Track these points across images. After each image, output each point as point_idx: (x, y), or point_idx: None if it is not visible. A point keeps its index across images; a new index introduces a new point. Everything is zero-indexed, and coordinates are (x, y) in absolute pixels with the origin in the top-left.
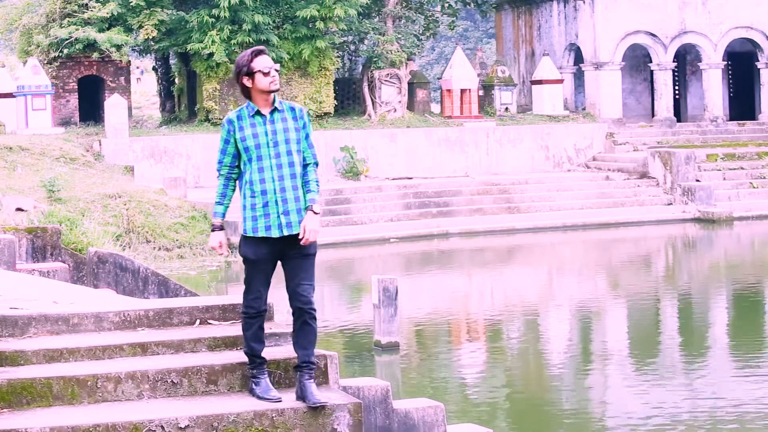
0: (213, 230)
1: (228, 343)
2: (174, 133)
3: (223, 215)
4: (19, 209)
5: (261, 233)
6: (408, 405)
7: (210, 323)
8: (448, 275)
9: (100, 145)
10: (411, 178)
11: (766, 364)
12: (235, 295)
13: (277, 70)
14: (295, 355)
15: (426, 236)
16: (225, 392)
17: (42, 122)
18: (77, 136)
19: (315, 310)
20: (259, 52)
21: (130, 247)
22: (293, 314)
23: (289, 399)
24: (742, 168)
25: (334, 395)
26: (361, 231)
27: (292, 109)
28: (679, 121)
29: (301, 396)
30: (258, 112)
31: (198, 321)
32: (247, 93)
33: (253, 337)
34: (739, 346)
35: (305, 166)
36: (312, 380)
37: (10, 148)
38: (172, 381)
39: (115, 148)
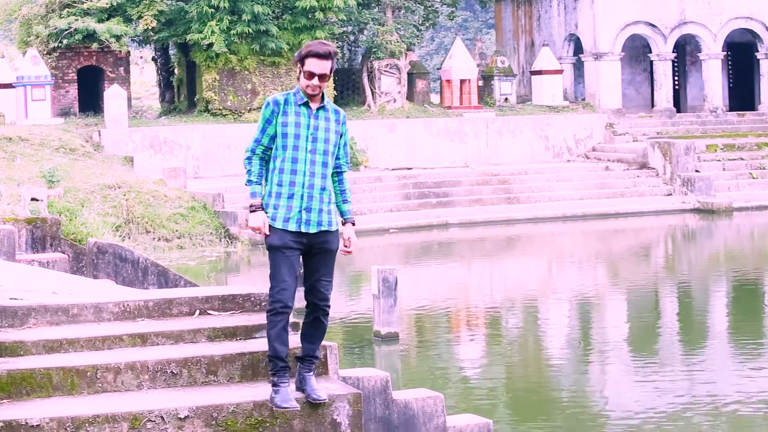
0: (253, 210)
1: (228, 334)
2: (173, 124)
3: (261, 194)
4: (33, 199)
5: (279, 224)
6: (408, 395)
7: (210, 314)
8: (447, 265)
9: (99, 135)
10: (410, 169)
11: (765, 353)
12: (235, 285)
13: (323, 77)
14: (294, 345)
15: (425, 227)
16: (224, 383)
17: (41, 113)
18: (77, 126)
19: (329, 307)
20: (317, 55)
21: (129, 238)
22: (306, 307)
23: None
24: (741, 158)
25: (334, 386)
26: (361, 221)
27: (337, 112)
28: (678, 111)
29: (301, 388)
30: (306, 104)
31: (198, 311)
32: (298, 77)
33: (277, 338)
34: (739, 335)
35: (340, 173)
36: (312, 374)
37: (10, 138)
38: (171, 371)
39: (114, 138)
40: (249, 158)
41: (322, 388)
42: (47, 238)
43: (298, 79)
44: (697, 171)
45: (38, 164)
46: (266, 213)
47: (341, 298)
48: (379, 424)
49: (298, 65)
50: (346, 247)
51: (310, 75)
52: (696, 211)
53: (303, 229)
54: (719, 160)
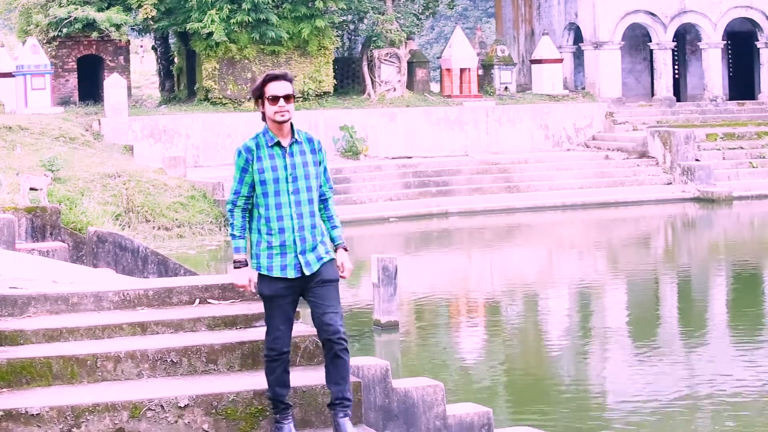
0: (237, 267)
1: (227, 323)
2: (173, 113)
3: (246, 250)
4: (32, 188)
5: (276, 273)
6: (407, 384)
7: (209, 302)
8: (447, 254)
9: (99, 124)
10: (410, 158)
11: (764, 341)
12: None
13: (288, 98)
14: (293, 334)
15: (425, 215)
16: (224, 371)
17: (41, 102)
18: (76, 115)
19: (346, 340)
20: (274, 78)
21: (129, 227)
22: (323, 347)
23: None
24: (741, 147)
25: None
26: (361, 210)
27: (310, 140)
28: (678, 100)
29: None
30: (277, 143)
31: (197, 300)
32: (263, 117)
33: (277, 382)
34: (738, 324)
35: (325, 200)
36: (348, 417)
37: (10, 127)
38: (171, 360)
39: (114, 127)
40: (231, 210)
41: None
42: (47, 227)
43: (264, 116)
44: (697, 160)
45: (38, 153)
46: (259, 264)
47: (341, 287)
48: (379, 413)
49: (259, 102)
50: (340, 271)
51: (274, 99)
52: (696, 200)
53: (306, 272)
54: (719, 149)
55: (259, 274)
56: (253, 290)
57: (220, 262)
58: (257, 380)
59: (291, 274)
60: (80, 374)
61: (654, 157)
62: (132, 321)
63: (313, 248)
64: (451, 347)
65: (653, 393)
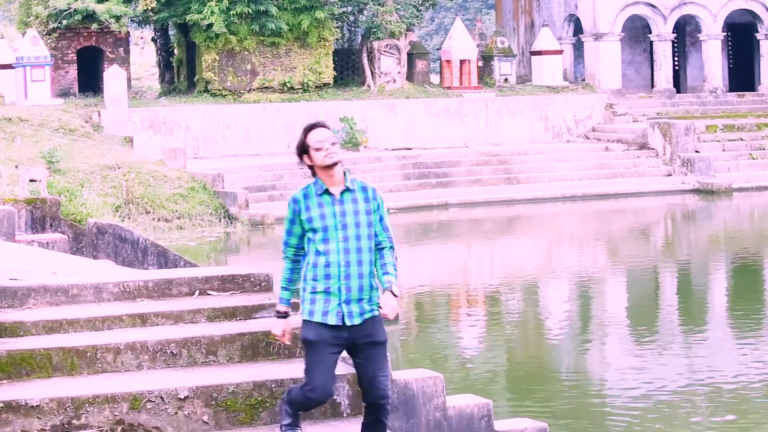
0: (278, 316)
1: (227, 314)
2: (173, 104)
3: (289, 302)
4: (32, 180)
5: (317, 318)
6: (407, 375)
7: (209, 294)
8: (447, 246)
9: (99, 116)
10: (410, 149)
11: (764, 333)
12: (235, 266)
13: (333, 143)
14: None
15: (425, 207)
16: (224, 363)
17: (41, 93)
18: (76, 107)
19: (390, 404)
20: (312, 127)
21: (129, 218)
22: (366, 408)
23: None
24: (741, 139)
25: None
26: None
27: (364, 189)
28: (678, 92)
29: None
30: (326, 191)
31: (197, 292)
32: (313, 171)
33: (301, 408)
34: (738, 315)
35: (381, 249)
36: None
37: (10, 119)
38: (171, 352)
39: (114, 119)
40: (284, 258)
41: None
42: (47, 219)
43: (312, 171)
44: (696, 151)
45: (38, 145)
46: (303, 308)
47: None
48: None
49: (304, 158)
50: (381, 311)
51: (319, 145)
52: (696, 191)
53: (347, 323)
54: (719, 141)
55: (304, 320)
56: (287, 342)
57: (219, 253)
58: (257, 372)
59: (332, 320)
60: (80, 366)
61: (654, 149)
62: (132, 312)
63: (359, 300)
64: (451, 339)
65: (653, 384)
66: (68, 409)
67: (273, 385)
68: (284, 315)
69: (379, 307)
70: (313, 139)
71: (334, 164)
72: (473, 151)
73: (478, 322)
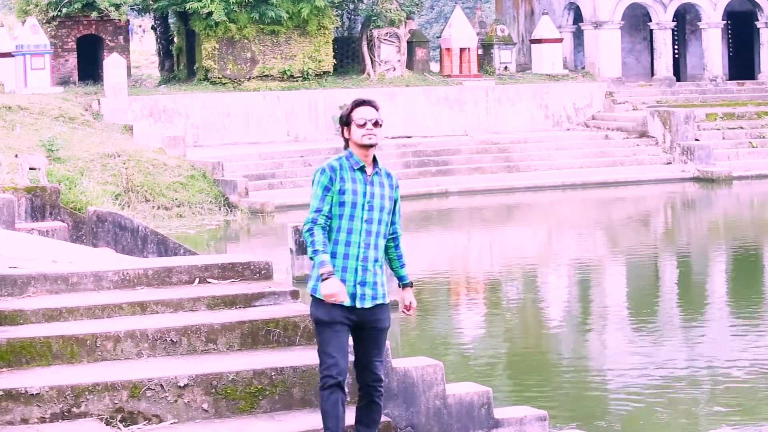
0: (326, 278)
1: (227, 302)
2: (173, 93)
3: (331, 262)
4: (32, 168)
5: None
6: (407, 363)
7: (209, 282)
8: (447, 234)
9: (99, 104)
10: (410, 137)
11: (763, 321)
12: (235, 254)
13: (376, 124)
14: (293, 314)
15: (425, 195)
16: (224, 351)
17: (41, 82)
18: (76, 95)
19: (383, 387)
20: (362, 103)
21: (129, 206)
22: (359, 390)
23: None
24: (741, 127)
25: None
26: None
27: (390, 176)
28: (678, 80)
29: None
30: (362, 168)
31: (197, 280)
32: (346, 144)
33: (331, 414)
34: (738, 303)
35: (395, 238)
36: None
37: (9, 107)
38: (171, 340)
39: (114, 107)
40: (310, 230)
41: None
42: (47, 207)
43: (347, 143)
44: (696, 140)
45: (38, 133)
46: (316, 287)
47: None
48: None
49: (344, 130)
50: (406, 310)
51: (363, 123)
52: (695, 179)
53: (358, 305)
54: (719, 129)
55: (314, 297)
56: (345, 300)
57: (219, 241)
58: (257, 360)
59: (346, 301)
60: (80, 354)
61: (654, 137)
62: (132, 300)
63: (374, 284)
64: (451, 327)
65: (653, 372)
66: (68, 397)
67: (273, 373)
68: (332, 274)
69: (388, 304)
70: (358, 114)
71: (372, 145)
72: (473, 139)
73: (478, 310)
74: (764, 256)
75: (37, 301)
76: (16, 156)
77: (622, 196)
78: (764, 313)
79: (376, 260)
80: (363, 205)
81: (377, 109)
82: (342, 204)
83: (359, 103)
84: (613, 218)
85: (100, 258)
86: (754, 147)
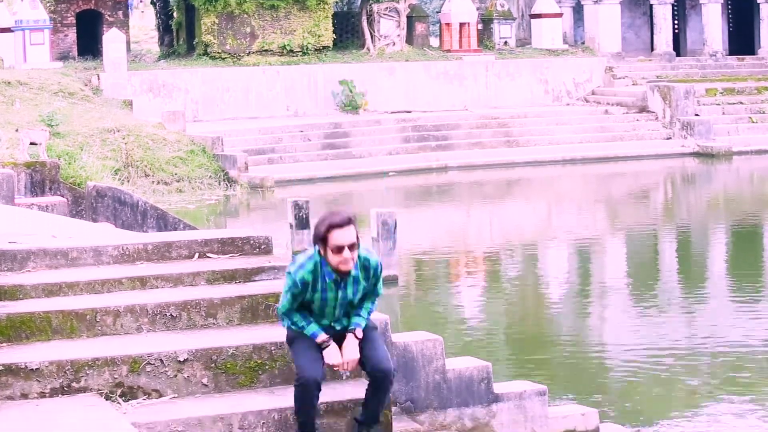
0: (326, 347)
1: (227, 277)
2: (172, 67)
3: (321, 330)
4: (33, 143)
5: (308, 331)
6: (407, 338)
7: (209, 257)
8: (446, 209)
9: (98, 79)
10: (410, 112)
11: (763, 296)
12: (234, 228)
13: (353, 247)
14: None
15: (425, 170)
16: (224, 326)
17: (40, 57)
18: (75, 70)
19: (391, 378)
20: (337, 225)
21: (128, 181)
22: (370, 378)
23: None
24: (741, 103)
25: None
26: (360, 165)
27: (366, 269)
28: (678, 55)
29: None
30: (334, 280)
31: (197, 254)
32: (320, 254)
33: (312, 409)
34: (738, 278)
35: (363, 297)
36: None
37: (9, 82)
38: (170, 314)
39: (113, 82)
40: (287, 315)
41: None
42: (46, 182)
43: (324, 255)
44: (696, 115)
45: (37, 108)
46: (293, 321)
47: None
48: None
49: (320, 245)
50: (335, 366)
51: (339, 249)
52: (695, 155)
53: (335, 326)
54: (719, 104)
55: (291, 330)
56: (354, 368)
57: (219, 216)
58: (256, 334)
59: (349, 369)
60: (79, 329)
61: (653, 112)
62: (131, 275)
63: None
64: (450, 301)
65: (652, 347)
66: (68, 372)
67: (273, 348)
68: (329, 340)
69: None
70: (334, 240)
71: (348, 271)
72: (473, 114)
73: (478, 285)
74: (764, 231)
75: (36, 276)
76: (17, 131)
77: (622, 171)
78: (763, 288)
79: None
80: (335, 307)
81: (352, 224)
82: (311, 302)
83: (335, 225)
84: (613, 193)
85: (100, 233)
86: (754, 122)
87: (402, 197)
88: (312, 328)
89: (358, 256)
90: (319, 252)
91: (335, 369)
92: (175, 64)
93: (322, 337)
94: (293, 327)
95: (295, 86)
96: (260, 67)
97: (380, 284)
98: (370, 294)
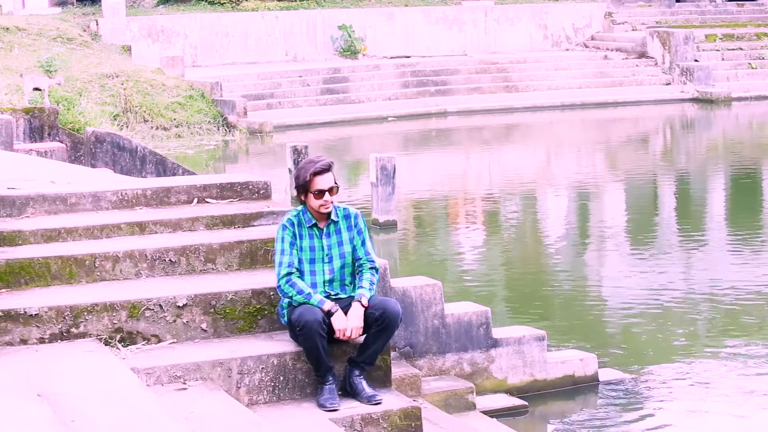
0: (334, 312)
1: (226, 222)
2: (171, 13)
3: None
4: (36, 89)
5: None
6: (406, 283)
7: (207, 202)
8: (446, 154)
9: (97, 24)
10: (409, 57)
11: (762, 241)
12: (233, 173)
13: (331, 190)
14: None
15: (424, 115)
16: (223, 271)
17: (38, 2)
18: (74, 16)
19: (401, 321)
20: (319, 172)
21: (127, 127)
22: (377, 323)
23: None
24: (740, 48)
25: None
26: (359, 110)
27: (347, 217)
28: (678, 1)
29: (352, 393)
30: (315, 224)
31: (196, 200)
32: (301, 201)
33: (319, 349)
34: (737, 224)
35: (360, 266)
36: (362, 377)
37: (7, 28)
38: (170, 260)
39: (112, 27)
40: (288, 282)
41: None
42: (45, 128)
43: (303, 203)
44: (696, 60)
45: (36, 54)
46: (292, 300)
47: (339, 186)
48: None
49: (301, 194)
50: (341, 335)
51: (320, 193)
52: (695, 100)
53: (331, 293)
54: (718, 50)
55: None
56: (360, 335)
57: (218, 161)
58: (255, 279)
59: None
60: (79, 274)
61: (653, 58)
62: (130, 221)
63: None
64: (449, 247)
65: (651, 292)
66: (67, 317)
67: (272, 293)
68: (336, 308)
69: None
70: (316, 185)
71: (329, 214)
72: (472, 59)
73: (477, 231)
74: (763, 176)
75: (35, 222)
76: (21, 76)
77: (621, 117)
78: (763, 233)
79: (343, 289)
80: (322, 259)
81: (331, 171)
82: (300, 261)
83: (316, 173)
84: (612, 138)
85: (99, 178)
86: (753, 68)
87: (401, 142)
88: (317, 297)
89: (339, 208)
90: (301, 201)
91: (340, 337)
92: (173, 9)
93: (328, 304)
94: (296, 298)
95: (294, 31)
96: (259, 12)
97: (368, 241)
98: (364, 260)
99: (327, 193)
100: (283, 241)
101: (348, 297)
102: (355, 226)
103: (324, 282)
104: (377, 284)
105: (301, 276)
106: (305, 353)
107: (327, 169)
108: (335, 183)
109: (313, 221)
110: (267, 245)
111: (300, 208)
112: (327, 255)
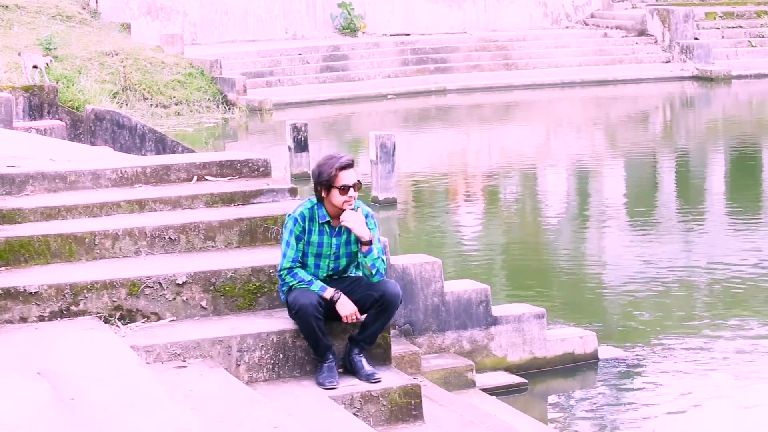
0: (336, 299)
1: (225, 200)
2: None
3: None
4: (35, 66)
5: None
6: (405, 261)
7: (207, 179)
8: (445, 132)
9: (96, 2)
10: (409, 35)
11: (762, 218)
12: (233, 151)
13: (356, 186)
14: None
15: (423, 92)
16: (222, 248)
17: None
18: None
19: (401, 302)
20: (345, 167)
21: (127, 105)
22: (377, 303)
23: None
24: (740, 26)
25: None
26: (359, 87)
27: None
28: None
29: (351, 371)
30: (327, 222)
31: (195, 177)
32: (318, 195)
33: (316, 331)
34: (736, 201)
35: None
36: (362, 355)
37: (6, 6)
38: (169, 237)
39: (111, 5)
40: (290, 274)
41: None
42: (45, 106)
43: (321, 199)
44: (695, 38)
45: (35, 32)
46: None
47: None
48: None
49: (323, 189)
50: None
51: (345, 188)
52: (694, 78)
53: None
54: (718, 28)
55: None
56: (361, 317)
57: (217, 139)
58: (255, 257)
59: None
60: (78, 252)
61: (653, 35)
62: (130, 198)
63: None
64: (449, 224)
65: (651, 269)
66: (66, 295)
67: (271, 270)
68: (338, 294)
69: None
70: (342, 180)
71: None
72: (472, 36)
73: (476, 208)
74: (763, 154)
75: (35, 200)
76: (19, 54)
77: (621, 94)
78: (762, 210)
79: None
80: (329, 256)
81: (355, 166)
82: (306, 255)
83: (343, 167)
84: (612, 116)
85: (98, 156)
86: (753, 46)
87: (401, 120)
88: (318, 284)
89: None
90: (319, 196)
91: (346, 321)
92: None
93: (330, 291)
94: (298, 285)
95: (294, 9)
96: None
97: (377, 240)
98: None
99: (351, 188)
100: (291, 234)
101: (348, 276)
102: (366, 225)
103: (326, 276)
104: (384, 268)
105: (305, 266)
106: (303, 334)
107: (351, 164)
108: (359, 179)
109: (327, 218)
110: (266, 222)
111: (313, 201)
112: (334, 253)
